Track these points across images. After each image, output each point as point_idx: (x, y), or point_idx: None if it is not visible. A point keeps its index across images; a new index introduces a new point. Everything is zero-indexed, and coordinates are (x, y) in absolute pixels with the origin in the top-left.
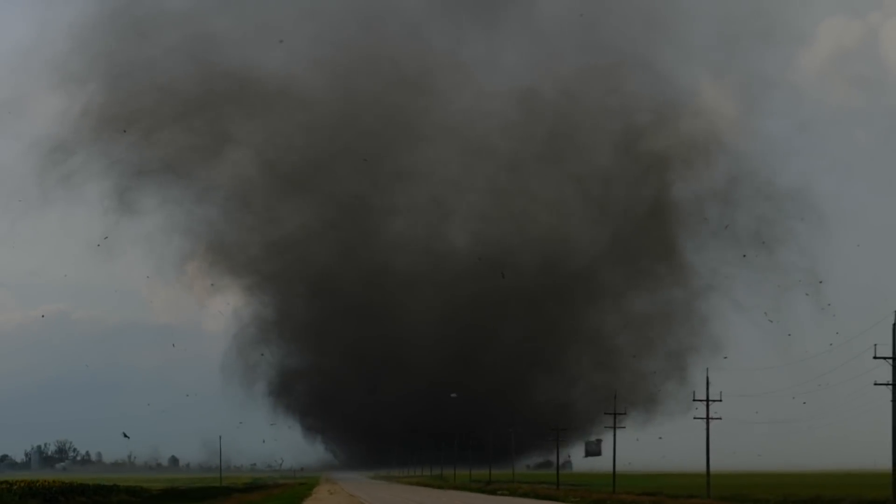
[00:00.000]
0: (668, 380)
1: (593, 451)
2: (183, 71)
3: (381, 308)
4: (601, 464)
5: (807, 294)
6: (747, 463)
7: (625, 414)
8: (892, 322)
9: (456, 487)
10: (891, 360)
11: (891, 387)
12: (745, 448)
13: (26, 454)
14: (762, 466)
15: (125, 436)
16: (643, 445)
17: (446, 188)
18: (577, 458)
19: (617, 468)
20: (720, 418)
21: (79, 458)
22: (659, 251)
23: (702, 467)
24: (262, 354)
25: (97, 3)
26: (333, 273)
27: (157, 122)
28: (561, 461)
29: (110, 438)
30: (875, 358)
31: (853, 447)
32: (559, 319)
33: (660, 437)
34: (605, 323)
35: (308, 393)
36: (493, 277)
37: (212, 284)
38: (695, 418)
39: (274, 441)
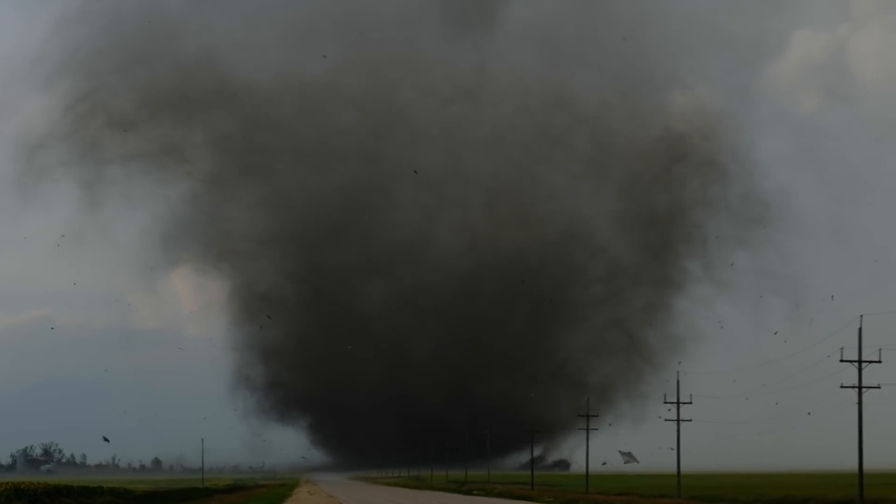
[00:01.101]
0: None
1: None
2: (166, 71)
3: (362, 311)
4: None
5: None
6: (718, 464)
7: (597, 416)
8: (858, 327)
9: (432, 488)
10: (857, 364)
11: (857, 389)
12: (715, 449)
13: (12, 457)
14: (733, 467)
15: (105, 440)
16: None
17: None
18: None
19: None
20: (690, 420)
21: (64, 460)
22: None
23: (676, 468)
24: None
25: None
26: (316, 276)
27: (140, 127)
28: (553, 460)
29: (95, 441)
30: (842, 361)
31: (821, 449)
32: (544, 320)
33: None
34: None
35: (289, 396)
36: (477, 278)
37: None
38: (665, 420)
39: (255, 443)
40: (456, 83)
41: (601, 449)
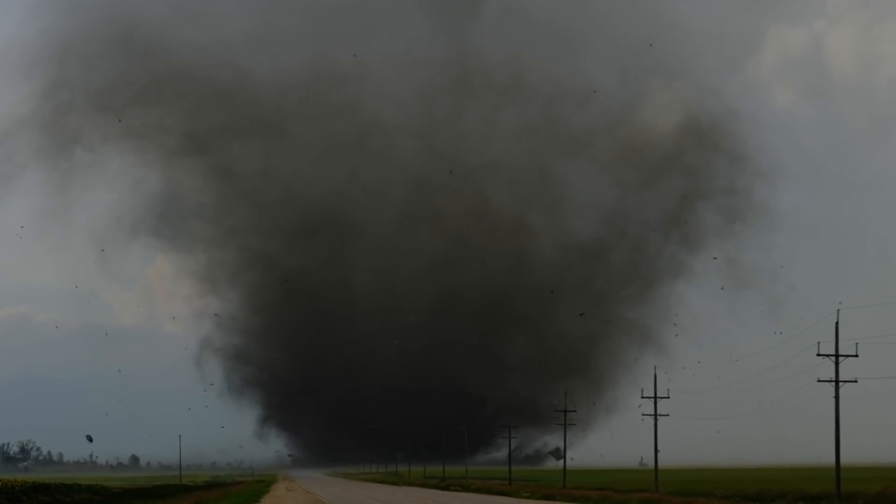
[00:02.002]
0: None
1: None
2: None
3: (341, 305)
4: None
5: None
6: (695, 459)
7: (574, 411)
8: (835, 320)
9: (410, 484)
10: (833, 358)
11: (833, 383)
12: (693, 444)
13: None
14: (710, 462)
15: (89, 439)
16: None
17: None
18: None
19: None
20: (668, 415)
21: (41, 457)
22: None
23: (665, 463)
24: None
25: None
26: (294, 272)
27: (113, 125)
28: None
29: (72, 439)
30: (818, 355)
31: (799, 443)
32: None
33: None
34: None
35: (266, 393)
36: (454, 274)
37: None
38: (643, 415)
39: (232, 440)
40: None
41: (599, 443)
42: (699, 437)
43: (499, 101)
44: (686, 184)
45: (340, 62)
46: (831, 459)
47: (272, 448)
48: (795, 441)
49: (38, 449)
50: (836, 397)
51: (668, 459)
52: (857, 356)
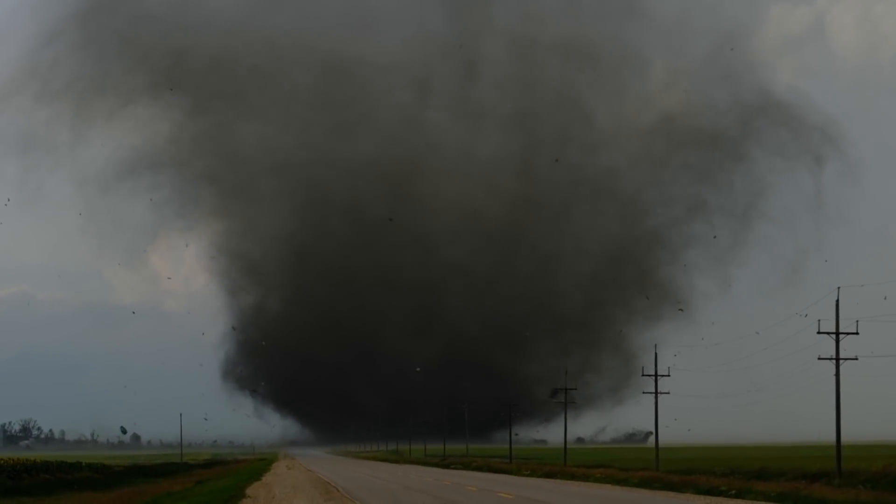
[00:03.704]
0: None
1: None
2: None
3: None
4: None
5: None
6: (697, 436)
7: (575, 389)
8: (836, 298)
9: (411, 462)
10: (834, 335)
11: (834, 361)
12: (694, 422)
13: None
14: (711, 440)
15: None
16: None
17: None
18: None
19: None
20: (668, 393)
21: (42, 436)
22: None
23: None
24: (234, 328)
25: None
26: (303, 248)
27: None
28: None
29: (73, 417)
30: (819, 333)
31: (799, 421)
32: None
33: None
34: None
35: (268, 372)
36: (464, 249)
37: (186, 244)
38: (644, 393)
39: (233, 418)
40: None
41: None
42: (702, 416)
43: None
44: (695, 162)
45: None
46: (832, 437)
47: (273, 425)
48: (797, 419)
49: (39, 428)
50: (837, 375)
51: (673, 437)
52: (857, 334)
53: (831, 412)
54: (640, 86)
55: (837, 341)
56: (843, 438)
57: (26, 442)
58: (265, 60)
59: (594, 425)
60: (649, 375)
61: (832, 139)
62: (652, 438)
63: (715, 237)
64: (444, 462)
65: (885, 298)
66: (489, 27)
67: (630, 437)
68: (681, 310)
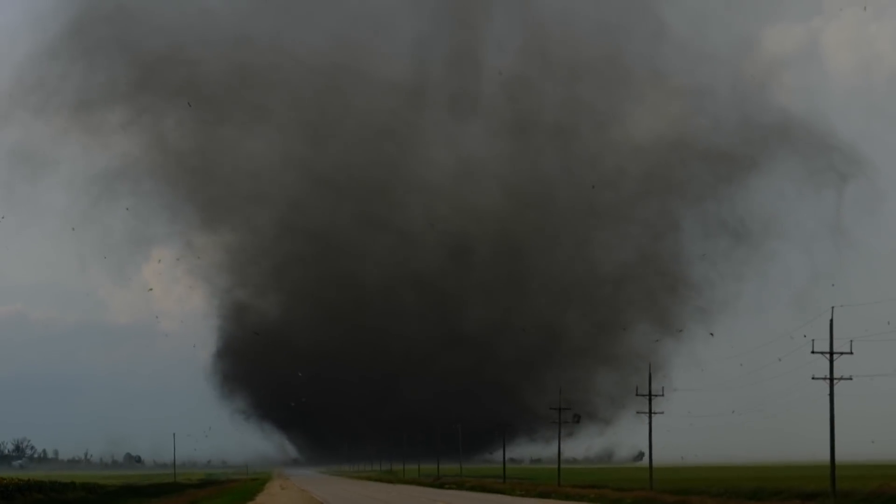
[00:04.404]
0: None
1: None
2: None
3: (347, 305)
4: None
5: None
6: (692, 456)
7: (569, 409)
8: (829, 318)
9: (405, 482)
10: (828, 355)
11: (828, 381)
12: (688, 442)
13: None
14: (705, 460)
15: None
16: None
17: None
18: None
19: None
20: (662, 412)
21: (36, 455)
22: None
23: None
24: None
25: None
26: (296, 268)
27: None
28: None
29: (67, 436)
30: (813, 353)
31: (794, 440)
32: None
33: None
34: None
35: (261, 392)
36: (456, 267)
37: (178, 259)
38: (637, 412)
39: (227, 438)
40: None
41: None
42: (696, 436)
43: None
44: (691, 182)
45: None
46: (827, 456)
47: (266, 445)
48: (791, 438)
49: (32, 447)
50: (831, 394)
51: (666, 457)
52: (851, 353)
53: (826, 431)
54: (645, 104)
55: (832, 361)
56: (838, 458)
57: (19, 461)
58: (260, 73)
59: (599, 445)
60: (643, 395)
61: (857, 161)
62: (645, 458)
63: (704, 255)
64: (438, 482)
65: (889, 323)
66: (498, 40)
67: (638, 457)
68: (679, 331)
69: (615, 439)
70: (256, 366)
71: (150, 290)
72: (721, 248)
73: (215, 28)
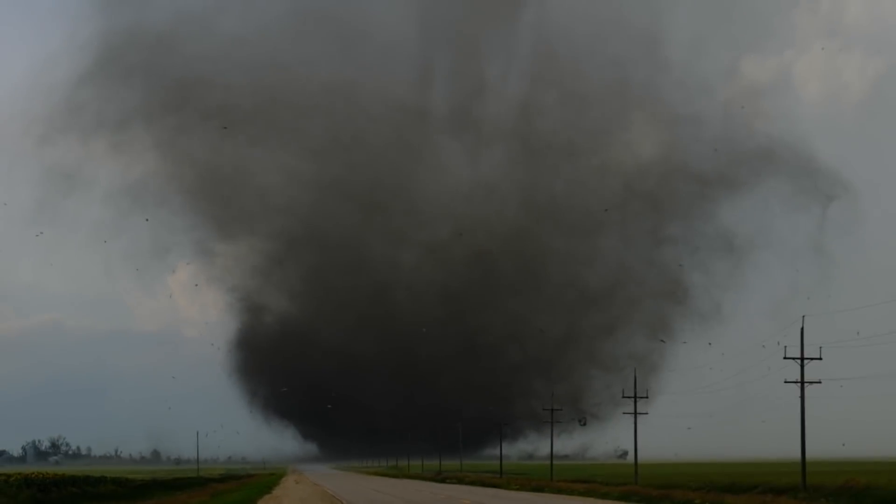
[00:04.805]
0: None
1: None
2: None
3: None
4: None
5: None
6: (673, 454)
7: (561, 410)
8: (801, 326)
9: (409, 477)
10: (798, 361)
11: (799, 384)
12: (672, 440)
13: (23, 449)
14: (686, 457)
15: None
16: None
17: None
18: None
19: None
20: (647, 413)
21: (70, 452)
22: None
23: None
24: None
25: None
26: (316, 278)
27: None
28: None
29: (99, 434)
30: (785, 358)
31: (767, 439)
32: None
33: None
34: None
35: (277, 391)
36: (469, 269)
37: (196, 285)
38: (624, 413)
39: (245, 437)
40: None
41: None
42: (678, 435)
43: None
44: (670, 207)
45: None
46: (798, 455)
47: (282, 443)
48: (765, 438)
49: (67, 444)
50: (802, 397)
51: (649, 454)
52: (821, 359)
53: (797, 431)
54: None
55: (802, 366)
56: (808, 455)
57: (55, 458)
58: (287, 97)
59: (600, 442)
60: (629, 397)
61: (839, 182)
62: (629, 456)
63: (681, 265)
64: (440, 477)
65: (858, 333)
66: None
67: (623, 454)
68: (662, 341)
69: (593, 436)
70: (273, 367)
71: (170, 296)
72: (709, 261)
73: (242, 55)
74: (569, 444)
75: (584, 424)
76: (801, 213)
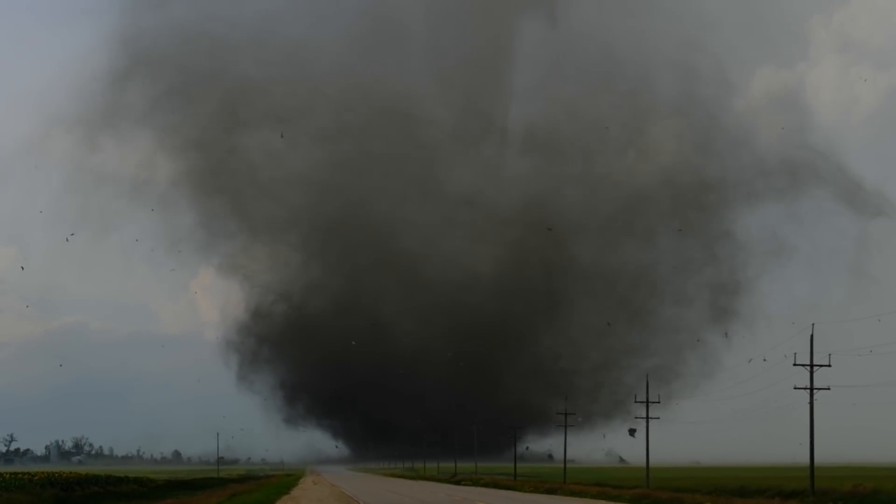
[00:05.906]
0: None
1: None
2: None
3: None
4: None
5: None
6: (684, 458)
7: (573, 414)
8: (810, 334)
9: (425, 478)
10: (808, 367)
11: (808, 391)
12: (684, 445)
13: (46, 449)
14: (699, 461)
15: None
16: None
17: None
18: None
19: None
20: (658, 418)
21: (93, 452)
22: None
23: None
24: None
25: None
26: (323, 277)
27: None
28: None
29: (122, 435)
30: (795, 365)
31: (777, 445)
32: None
33: (603, 435)
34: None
35: (295, 393)
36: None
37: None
38: (636, 418)
39: (264, 439)
40: None
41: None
42: (692, 439)
43: None
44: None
45: None
46: (807, 460)
47: (300, 445)
48: (775, 443)
49: (90, 444)
50: (811, 403)
51: (662, 458)
52: (830, 366)
53: (807, 437)
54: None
55: (812, 373)
56: (817, 461)
57: (78, 457)
58: (323, 101)
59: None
60: (641, 402)
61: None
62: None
63: (674, 266)
64: (455, 479)
65: (871, 350)
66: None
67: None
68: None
69: (595, 442)
70: (293, 364)
71: (196, 292)
72: (727, 269)
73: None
74: (599, 445)
75: (634, 435)
76: (821, 225)
